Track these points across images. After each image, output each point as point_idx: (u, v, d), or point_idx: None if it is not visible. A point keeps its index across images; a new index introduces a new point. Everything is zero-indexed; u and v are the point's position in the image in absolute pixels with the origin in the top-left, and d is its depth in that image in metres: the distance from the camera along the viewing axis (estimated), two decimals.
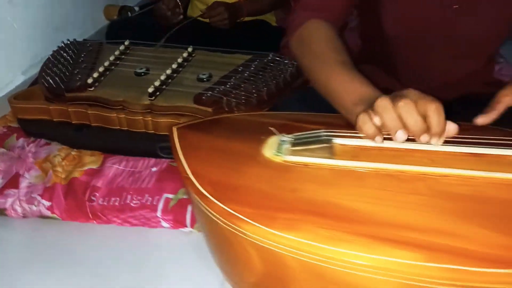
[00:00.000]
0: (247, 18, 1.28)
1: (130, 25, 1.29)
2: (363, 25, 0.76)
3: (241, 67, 0.97)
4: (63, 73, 1.01)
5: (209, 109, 0.86)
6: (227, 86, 0.90)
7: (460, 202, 0.39)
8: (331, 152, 0.46)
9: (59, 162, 0.83)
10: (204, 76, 0.96)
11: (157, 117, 0.90)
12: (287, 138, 0.47)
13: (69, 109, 0.93)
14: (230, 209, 0.40)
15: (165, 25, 1.22)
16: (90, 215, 0.73)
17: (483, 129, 0.50)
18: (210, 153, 0.48)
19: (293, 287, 0.42)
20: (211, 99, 0.87)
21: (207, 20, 1.24)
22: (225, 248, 0.46)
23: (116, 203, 0.73)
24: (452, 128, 0.43)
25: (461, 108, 0.74)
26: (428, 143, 0.43)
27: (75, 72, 1.00)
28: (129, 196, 0.73)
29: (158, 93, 0.92)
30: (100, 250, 0.71)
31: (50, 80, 0.98)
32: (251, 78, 0.93)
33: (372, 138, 0.44)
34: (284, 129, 0.49)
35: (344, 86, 0.52)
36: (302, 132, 0.48)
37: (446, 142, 0.45)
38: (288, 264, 0.39)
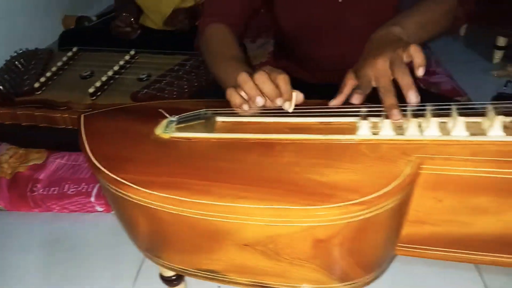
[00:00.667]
0: None
1: (81, 33, 1.36)
2: (271, 24, 0.86)
3: (177, 66, 1.05)
4: (13, 79, 1.08)
5: None
6: (162, 83, 0.99)
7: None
8: (212, 128, 0.55)
9: (6, 159, 0.90)
10: (143, 76, 1.04)
11: None
12: (174, 118, 0.56)
13: (17, 112, 1.01)
14: (119, 177, 0.49)
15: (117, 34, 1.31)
16: (32, 204, 0.80)
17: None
18: (110, 135, 0.57)
19: (172, 238, 0.50)
20: (147, 96, 0.95)
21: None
22: (123, 216, 0.54)
23: (55, 192, 0.80)
24: (299, 96, 0.53)
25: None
26: (281, 107, 0.52)
27: (24, 77, 1.08)
28: (67, 185, 0.81)
29: (99, 93, 1.00)
30: (42, 235, 0.78)
31: (1, 87, 1.05)
32: (185, 76, 1.01)
33: (239, 106, 0.52)
34: (176, 112, 0.58)
35: (230, 75, 0.61)
36: (187, 113, 0.56)
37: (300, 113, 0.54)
38: (164, 218, 0.47)
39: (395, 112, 0.48)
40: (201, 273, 0.53)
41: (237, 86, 0.53)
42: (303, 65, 0.84)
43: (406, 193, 0.43)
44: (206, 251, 0.49)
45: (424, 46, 1.31)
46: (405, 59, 0.51)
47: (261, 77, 0.51)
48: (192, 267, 0.53)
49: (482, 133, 0.46)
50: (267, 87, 0.51)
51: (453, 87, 1.13)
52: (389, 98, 0.49)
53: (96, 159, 0.52)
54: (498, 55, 1.31)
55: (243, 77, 0.52)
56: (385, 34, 0.57)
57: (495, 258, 0.49)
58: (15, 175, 0.85)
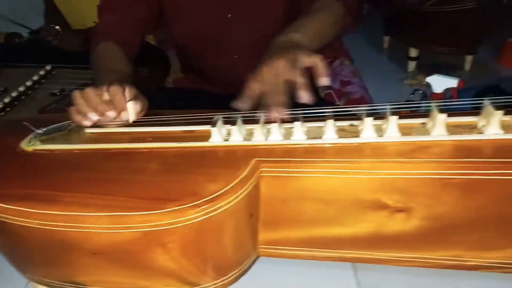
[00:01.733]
0: None
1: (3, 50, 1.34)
2: (175, 44, 0.87)
3: (91, 81, 1.05)
4: None
5: None
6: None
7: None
8: (78, 139, 0.56)
9: None
10: (56, 91, 1.03)
11: None
12: (40, 131, 0.56)
13: None
14: None
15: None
16: None
17: None
18: None
19: (30, 252, 0.50)
20: (55, 110, 0.94)
21: None
22: None
23: None
24: (136, 105, 0.54)
25: None
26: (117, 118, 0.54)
27: None
28: None
29: (8, 109, 0.98)
30: None
31: None
32: None
33: (79, 123, 0.54)
34: (44, 125, 0.58)
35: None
36: (52, 125, 0.57)
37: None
38: (19, 232, 0.47)
39: (277, 114, 0.49)
40: (67, 285, 0.53)
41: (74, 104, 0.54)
42: (204, 77, 0.86)
43: (246, 194, 0.45)
44: (63, 262, 0.50)
45: (347, 56, 1.37)
46: (306, 64, 0.53)
47: (87, 93, 0.53)
48: (58, 280, 0.53)
49: (319, 136, 0.49)
50: (94, 101, 0.53)
51: (362, 96, 1.19)
52: (278, 98, 0.50)
53: None
54: (411, 66, 1.39)
55: (74, 95, 0.54)
56: (287, 40, 0.59)
57: (357, 256, 0.52)
58: None
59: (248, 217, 0.48)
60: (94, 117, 0.53)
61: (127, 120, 0.55)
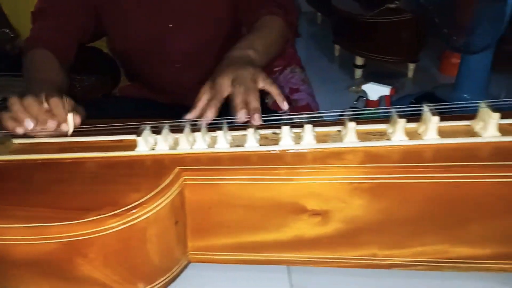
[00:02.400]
0: None
1: None
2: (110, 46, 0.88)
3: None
4: None
5: None
6: None
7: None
8: (5, 150, 0.55)
9: None
10: None
11: None
12: None
13: None
14: None
15: None
16: None
17: None
18: None
19: None
20: None
21: None
22: None
23: None
24: (76, 118, 0.54)
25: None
26: (60, 129, 0.54)
27: None
28: None
29: None
30: None
31: None
32: None
33: (12, 130, 0.53)
34: None
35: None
36: None
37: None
38: None
39: (257, 117, 0.50)
40: None
41: (9, 110, 0.53)
42: (148, 86, 0.87)
43: (168, 202, 0.47)
44: None
45: (299, 64, 1.41)
46: (261, 87, 0.54)
47: (28, 100, 0.53)
48: None
49: (242, 144, 0.51)
50: (34, 110, 0.52)
51: (308, 103, 1.24)
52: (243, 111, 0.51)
53: None
54: (357, 73, 1.46)
55: (11, 101, 0.53)
56: (241, 56, 0.60)
57: (283, 258, 0.54)
58: None
59: (173, 225, 0.49)
60: (30, 125, 0.52)
61: (66, 132, 0.54)
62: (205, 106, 0.55)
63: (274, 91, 0.53)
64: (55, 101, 0.52)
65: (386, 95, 0.89)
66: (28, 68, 0.69)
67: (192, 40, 0.78)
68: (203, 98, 0.56)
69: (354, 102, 1.23)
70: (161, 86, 0.85)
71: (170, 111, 0.86)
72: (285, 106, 0.53)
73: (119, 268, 0.47)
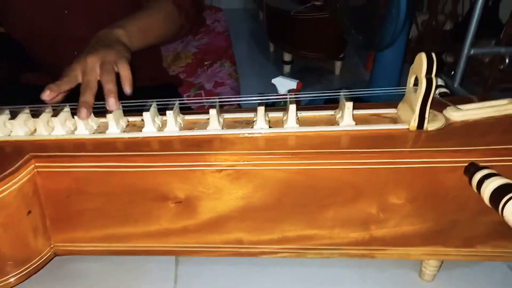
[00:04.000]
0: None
1: None
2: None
3: None
4: None
5: None
6: None
7: None
8: None
9: None
10: None
11: None
12: None
13: None
14: None
15: None
16: None
17: None
18: None
19: None
20: None
21: None
22: None
23: None
24: None
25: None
26: None
27: None
28: None
29: None
30: None
31: None
32: None
33: None
34: None
35: None
36: None
37: None
38: None
39: (84, 111, 0.48)
40: None
41: None
42: (48, 73, 0.83)
43: (17, 190, 0.44)
44: None
45: (230, 60, 1.40)
46: (117, 71, 0.52)
47: None
48: None
49: (104, 131, 0.49)
50: None
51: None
52: (87, 95, 0.49)
53: None
54: (286, 69, 1.48)
55: None
56: (107, 33, 0.58)
57: (152, 248, 0.52)
58: None
59: (24, 215, 0.46)
60: None
61: None
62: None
63: (122, 73, 0.52)
64: None
65: (293, 89, 0.90)
66: None
67: (87, 26, 0.75)
68: (59, 82, 0.54)
69: None
70: (59, 74, 0.81)
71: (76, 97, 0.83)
72: (128, 90, 0.52)
73: None
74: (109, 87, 0.49)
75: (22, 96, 0.78)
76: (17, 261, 0.48)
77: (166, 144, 0.47)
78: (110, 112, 0.48)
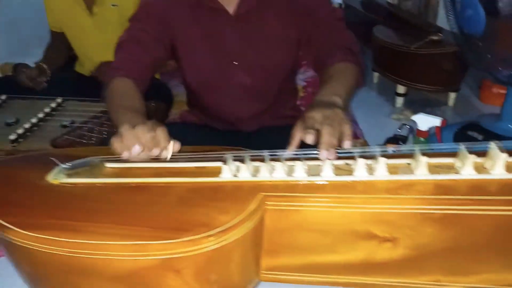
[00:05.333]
0: None
1: (10, 82, 1.40)
2: (183, 80, 0.95)
3: (101, 113, 1.12)
4: None
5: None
6: (83, 129, 1.04)
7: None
8: (100, 173, 0.61)
9: None
10: (66, 123, 1.10)
11: None
12: (65, 165, 0.62)
13: None
14: (3, 221, 0.53)
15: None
16: None
17: None
18: (5, 182, 0.62)
19: (50, 278, 0.55)
20: (66, 142, 1.00)
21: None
22: (11, 257, 0.58)
23: None
24: (176, 145, 0.60)
25: (264, 136, 0.94)
26: (159, 156, 0.59)
27: None
28: None
29: (21, 139, 1.04)
30: None
31: None
32: (106, 123, 1.08)
33: (120, 154, 0.59)
34: (69, 159, 0.64)
35: (125, 119, 0.68)
36: (77, 160, 0.63)
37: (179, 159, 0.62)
38: (41, 258, 0.52)
39: (332, 151, 0.54)
40: None
41: (120, 136, 0.60)
42: (207, 113, 0.93)
43: (253, 225, 0.51)
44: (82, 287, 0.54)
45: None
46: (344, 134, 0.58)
47: (141, 128, 0.58)
48: None
49: (318, 173, 0.55)
50: (145, 137, 0.58)
51: (354, 130, 1.27)
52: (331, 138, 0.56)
53: None
54: (399, 101, 1.49)
55: (124, 127, 0.59)
56: (329, 102, 0.65)
57: (349, 281, 0.57)
58: None
59: (253, 246, 0.54)
60: (137, 151, 0.57)
61: (165, 158, 0.60)
62: (298, 138, 0.59)
63: (345, 132, 0.58)
64: (161, 131, 0.58)
65: (436, 126, 0.92)
66: (113, 95, 0.76)
67: (253, 77, 0.85)
68: (295, 137, 0.60)
69: (398, 130, 1.26)
70: (221, 115, 0.92)
71: (226, 137, 0.93)
72: (347, 146, 0.57)
73: (205, 283, 0.52)
74: (331, 140, 0.56)
75: (178, 133, 0.89)
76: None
77: (375, 187, 0.53)
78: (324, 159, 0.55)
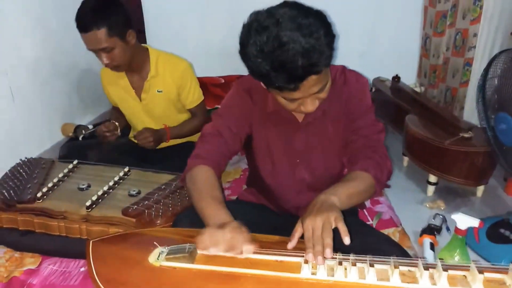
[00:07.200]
0: (175, 141, 1.55)
1: (78, 147, 1.55)
2: (248, 163, 1.08)
3: (164, 186, 1.24)
4: (17, 187, 1.23)
5: (133, 220, 1.11)
6: (150, 201, 1.16)
7: None
8: (193, 258, 0.72)
9: (2, 263, 1.01)
10: (134, 192, 1.22)
11: (91, 225, 1.12)
12: (165, 249, 0.72)
13: (18, 218, 1.14)
14: None
15: (104, 143, 1.50)
16: None
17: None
18: (112, 259, 0.73)
19: None
20: (136, 212, 1.12)
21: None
22: None
23: None
24: (248, 249, 0.71)
25: None
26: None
27: (28, 186, 1.23)
28: None
29: (94, 205, 1.16)
30: None
31: (5, 193, 1.19)
32: (170, 195, 1.19)
33: (202, 250, 0.71)
34: (166, 242, 0.75)
35: (211, 213, 0.80)
36: (175, 246, 0.73)
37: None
38: None
39: (320, 259, 0.66)
40: None
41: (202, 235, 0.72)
42: (268, 197, 1.05)
43: None
44: None
45: None
46: (333, 225, 0.71)
47: (221, 234, 0.71)
48: None
49: (387, 278, 0.65)
50: (223, 243, 0.70)
51: (391, 217, 1.36)
52: (318, 246, 0.68)
53: (100, 281, 0.67)
54: (430, 190, 1.59)
55: (208, 230, 0.72)
56: (325, 200, 0.78)
57: None
58: (11, 280, 0.96)
59: None
60: (214, 253, 0.70)
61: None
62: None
63: (341, 228, 0.70)
64: (239, 235, 0.71)
65: (474, 227, 1.01)
66: (196, 181, 0.88)
67: (310, 173, 0.98)
68: (298, 232, 0.73)
69: (432, 220, 1.35)
70: (282, 203, 1.03)
71: (281, 218, 1.03)
72: (346, 241, 0.68)
73: None
74: (328, 241, 0.67)
75: (237, 212, 1.00)
76: None
77: None
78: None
